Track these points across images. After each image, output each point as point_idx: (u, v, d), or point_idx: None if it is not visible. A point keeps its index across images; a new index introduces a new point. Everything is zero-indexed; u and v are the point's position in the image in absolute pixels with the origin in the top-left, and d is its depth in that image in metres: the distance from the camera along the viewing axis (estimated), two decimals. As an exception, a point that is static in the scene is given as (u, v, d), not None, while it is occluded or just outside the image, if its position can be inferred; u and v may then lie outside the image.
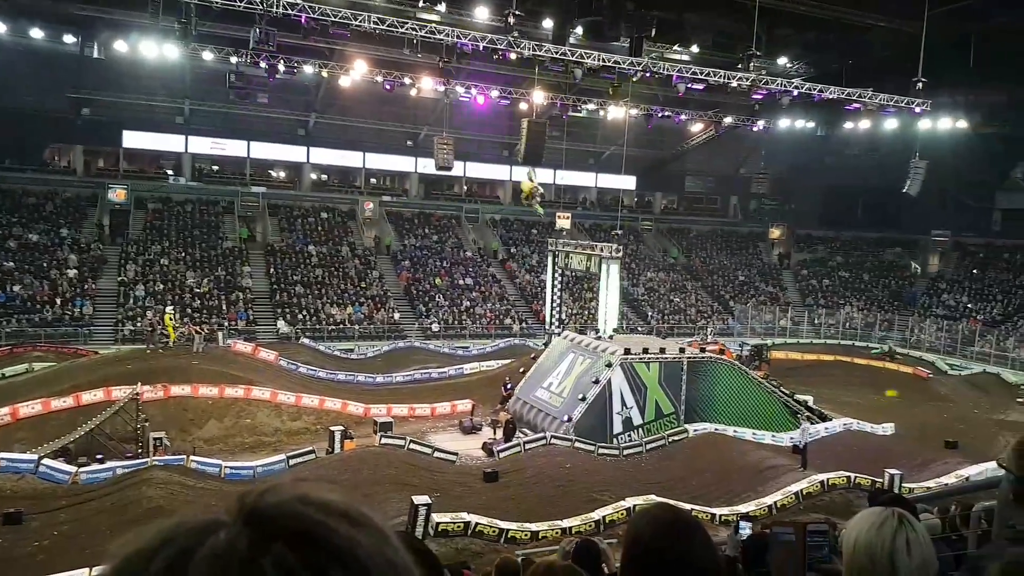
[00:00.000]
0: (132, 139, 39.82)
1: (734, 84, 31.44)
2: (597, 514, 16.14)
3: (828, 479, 18.84)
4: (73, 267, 33.27)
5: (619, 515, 16.00)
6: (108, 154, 41.06)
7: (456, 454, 20.43)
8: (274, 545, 0.50)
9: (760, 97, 32.40)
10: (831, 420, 25.62)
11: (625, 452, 21.86)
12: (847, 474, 19.19)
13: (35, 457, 17.55)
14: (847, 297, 46.25)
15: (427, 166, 39.31)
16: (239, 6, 24.73)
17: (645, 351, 24.27)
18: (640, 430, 23.30)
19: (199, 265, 35.61)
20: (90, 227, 36.38)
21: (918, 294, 45.21)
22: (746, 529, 6.98)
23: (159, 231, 37.27)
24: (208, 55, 31.30)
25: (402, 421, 23.85)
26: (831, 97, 32.75)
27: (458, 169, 39.83)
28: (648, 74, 30.72)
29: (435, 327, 36.27)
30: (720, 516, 16.53)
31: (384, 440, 20.38)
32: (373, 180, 46.87)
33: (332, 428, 20.90)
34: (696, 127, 44.49)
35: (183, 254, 35.97)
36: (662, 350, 24.73)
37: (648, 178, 51.09)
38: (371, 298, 36.74)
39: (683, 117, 40.25)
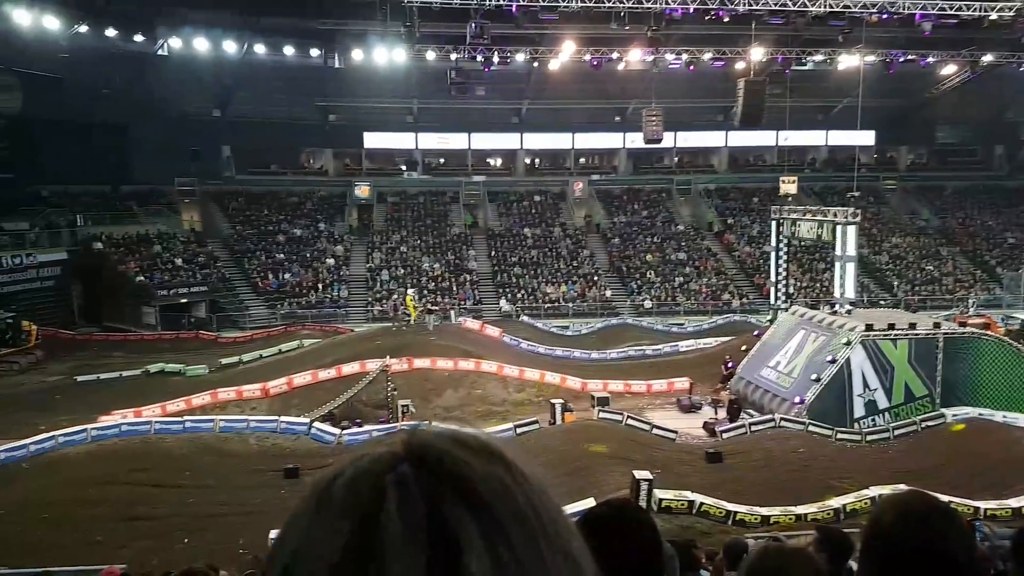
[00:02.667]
0: (371, 140, 44.21)
1: (993, 17, 27.45)
2: (836, 502, 15.14)
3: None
4: (331, 256, 37.72)
5: (862, 504, 14.91)
6: (352, 155, 45.90)
7: (676, 432, 20.24)
8: (400, 465, 0.57)
9: (1028, 29, 28.01)
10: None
11: (868, 438, 20.29)
12: None
13: (307, 421, 20.42)
14: None
15: (635, 140, 39.05)
16: (455, 3, 26.28)
17: (891, 327, 22.16)
18: (886, 414, 21.43)
19: (432, 251, 38.70)
20: (342, 221, 40.99)
21: None
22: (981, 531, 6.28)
23: (398, 222, 41.08)
24: (431, 54, 33.72)
25: (618, 396, 24.07)
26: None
27: (668, 140, 38.92)
28: (885, 15, 27.90)
29: (647, 304, 36.08)
30: (985, 510, 14.79)
31: (602, 414, 20.78)
32: (582, 160, 47.66)
33: (553, 401, 21.72)
34: (947, 70, 39.52)
35: (419, 241, 39.34)
36: (912, 325, 22.44)
37: (889, 131, 46.27)
38: (583, 276, 37.49)
39: (930, 60, 35.92)
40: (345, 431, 20.28)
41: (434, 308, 29.08)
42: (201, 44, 37.63)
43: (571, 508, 14.01)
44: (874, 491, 15.15)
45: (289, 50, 39.69)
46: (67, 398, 23.46)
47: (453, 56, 31.97)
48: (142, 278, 33.02)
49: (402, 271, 37.02)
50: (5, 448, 17.07)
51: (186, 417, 20.47)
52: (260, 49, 39.27)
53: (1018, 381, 21.87)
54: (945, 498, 13.73)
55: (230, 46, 38.28)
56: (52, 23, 33.09)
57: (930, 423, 20.54)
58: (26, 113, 31.88)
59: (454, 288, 36.17)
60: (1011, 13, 27.27)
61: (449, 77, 33.10)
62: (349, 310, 35.12)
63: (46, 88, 32.91)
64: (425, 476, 0.56)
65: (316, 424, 20.31)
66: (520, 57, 32.66)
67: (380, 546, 0.53)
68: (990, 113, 46.53)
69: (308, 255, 37.98)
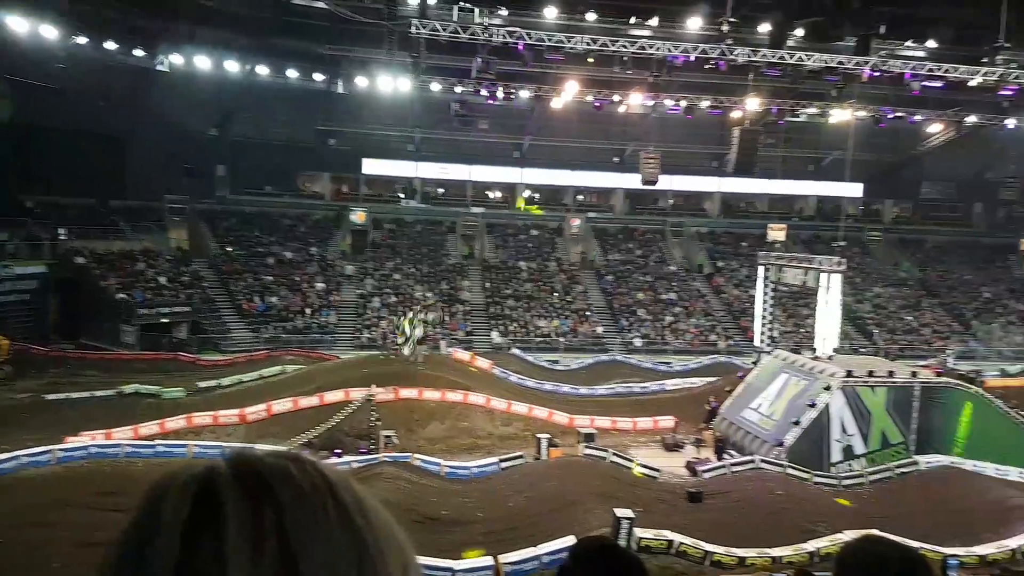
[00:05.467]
0: (370, 166, 44.38)
1: (978, 80, 28.40)
2: (811, 545, 15.26)
3: (1088, 525, 16.40)
4: (320, 281, 37.58)
5: (836, 548, 15.04)
6: (350, 180, 46.01)
7: (659, 470, 20.26)
8: (218, 466, 0.68)
9: (1010, 93, 28.95)
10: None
11: (844, 482, 20.48)
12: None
13: (285, 449, 19.97)
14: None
15: (632, 181, 39.57)
16: (463, 37, 26.70)
17: (870, 374, 22.53)
18: (862, 460, 21.67)
19: (426, 280, 38.68)
20: (335, 245, 40.90)
21: None
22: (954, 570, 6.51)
23: (392, 249, 41.02)
24: (435, 86, 34.06)
25: (604, 433, 23.95)
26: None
27: (664, 183, 39.55)
28: (877, 73, 28.78)
29: (637, 342, 36.25)
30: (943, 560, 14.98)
31: (587, 450, 20.70)
32: (580, 197, 48.12)
33: (539, 435, 21.60)
34: (933, 128, 40.56)
35: (413, 270, 39.29)
36: (890, 373, 22.82)
37: (876, 185, 47.30)
38: (575, 312, 37.63)
39: (918, 118, 36.88)
40: (324, 461, 19.82)
41: (426, 338, 28.63)
42: (203, 62, 37.78)
43: (552, 545, 14.20)
44: (848, 536, 15.27)
45: (292, 73, 39.96)
46: (34, 417, 22.55)
47: (458, 89, 32.40)
48: (123, 295, 32.39)
49: (394, 298, 36.94)
50: (-35, 467, 16.18)
51: (158, 441, 20.01)
52: (263, 70, 39.50)
53: (989, 431, 22.24)
54: (916, 544, 14.05)
55: (232, 66, 38.46)
56: (50, 33, 33.12)
57: (904, 470, 20.81)
58: (17, 121, 31.27)
59: (446, 318, 36.14)
60: (994, 78, 28.21)
61: (452, 109, 33.48)
62: (336, 336, 34.89)
63: (40, 97, 32.45)
64: (213, 469, 0.66)
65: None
66: (524, 94, 33.15)
67: (157, 517, 0.63)
68: (972, 172, 47.70)
69: (297, 278, 37.80)
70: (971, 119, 36.35)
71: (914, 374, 23.15)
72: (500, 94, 30.85)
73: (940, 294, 42.96)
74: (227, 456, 0.69)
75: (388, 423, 22.38)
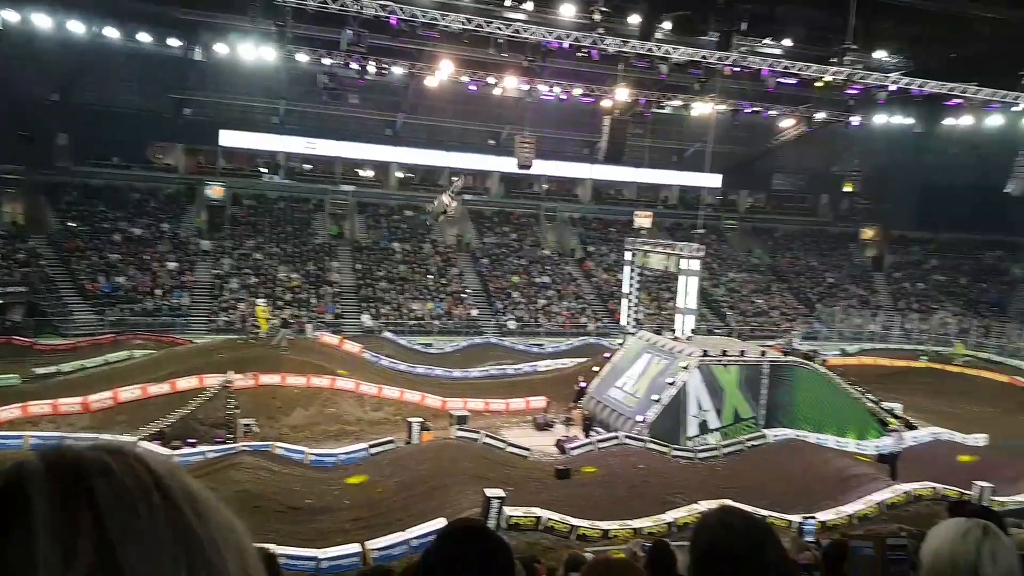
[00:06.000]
0: (230, 138, 41.52)
1: (828, 78, 30.39)
2: (669, 516, 16.05)
3: (913, 490, 18.25)
4: (173, 260, 35.18)
5: (692, 518, 15.82)
6: (207, 152, 42.91)
7: (529, 450, 20.58)
8: (29, 461, 0.63)
9: (855, 92, 31.19)
10: (919, 429, 24.55)
11: (700, 455, 21.56)
12: (933, 485, 18.51)
13: (133, 440, 18.65)
14: (942, 302, 44.04)
15: (508, 165, 39.61)
16: (332, 7, 25.56)
17: (724, 353, 23.81)
18: (716, 434, 22.90)
19: (291, 260, 37.07)
20: (189, 222, 38.39)
21: (1012, 299, 42.83)
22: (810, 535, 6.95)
23: (254, 227, 38.96)
24: (302, 57, 32.41)
25: (477, 415, 24.06)
26: (931, 92, 31.32)
27: (538, 167, 39.87)
28: (737, 69, 30.09)
29: (511, 324, 36.57)
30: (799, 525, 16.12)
31: (459, 433, 20.73)
32: (455, 178, 47.60)
33: (410, 420, 21.32)
34: (786, 123, 43.11)
35: (276, 249, 37.53)
36: (742, 353, 24.21)
37: (733, 176, 49.71)
38: (450, 294, 37.42)
39: (773, 113, 39.04)
40: (176, 452, 18.67)
41: (291, 321, 27.58)
42: (42, 20, 34.25)
43: (421, 529, 14.06)
44: (703, 506, 16.16)
45: (145, 37, 36.97)
46: None
47: (327, 61, 30.98)
48: (-52, 273, 29.28)
49: (255, 279, 35.16)
50: None
51: (-10, 432, 18.53)
52: (112, 33, 36.32)
53: (830, 406, 24.12)
54: (765, 512, 14.96)
55: (76, 26, 35.10)
56: None
57: (754, 443, 22.16)
58: None
59: (313, 300, 34.82)
60: (842, 77, 30.26)
61: (321, 82, 32.05)
62: (190, 319, 32.83)
63: None
64: (23, 465, 0.64)
65: (142, 444, 18.70)
66: (397, 70, 32.24)
67: None
68: (819, 166, 51.33)
69: (147, 257, 35.20)
70: (820, 115, 38.90)
71: (763, 353, 24.67)
72: (372, 69, 29.80)
73: (788, 279, 46.07)
74: (41, 450, 0.65)
75: (247, 411, 21.57)
